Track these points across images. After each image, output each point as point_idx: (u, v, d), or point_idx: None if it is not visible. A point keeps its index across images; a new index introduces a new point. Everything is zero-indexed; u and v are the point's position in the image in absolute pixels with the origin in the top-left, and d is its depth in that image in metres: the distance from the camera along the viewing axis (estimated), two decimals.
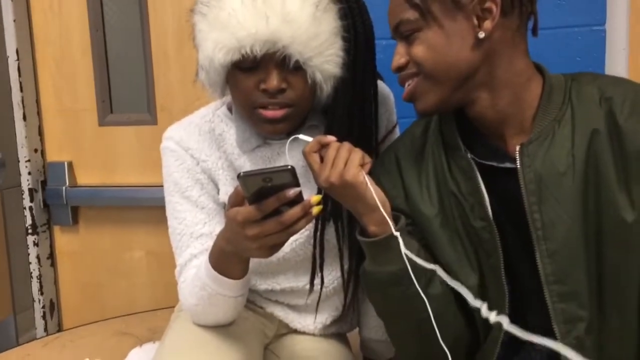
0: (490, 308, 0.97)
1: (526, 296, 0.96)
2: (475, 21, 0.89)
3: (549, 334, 0.91)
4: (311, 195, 0.88)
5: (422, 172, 1.03)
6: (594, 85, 0.93)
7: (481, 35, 0.88)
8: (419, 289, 0.89)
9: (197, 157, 1.13)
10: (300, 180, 0.84)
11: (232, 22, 0.97)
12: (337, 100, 1.06)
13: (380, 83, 1.18)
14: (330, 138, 0.95)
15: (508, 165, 0.94)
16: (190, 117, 1.18)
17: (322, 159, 0.94)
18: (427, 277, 0.97)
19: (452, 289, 1.00)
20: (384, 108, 1.18)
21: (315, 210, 0.87)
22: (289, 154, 0.97)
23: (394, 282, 0.94)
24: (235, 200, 0.88)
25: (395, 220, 0.95)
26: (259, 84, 1.01)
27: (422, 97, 0.94)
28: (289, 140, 0.98)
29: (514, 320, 0.95)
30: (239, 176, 0.81)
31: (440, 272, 0.85)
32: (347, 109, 1.06)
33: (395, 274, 0.92)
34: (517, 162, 0.91)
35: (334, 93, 1.06)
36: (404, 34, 0.93)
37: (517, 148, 0.92)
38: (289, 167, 0.81)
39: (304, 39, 0.97)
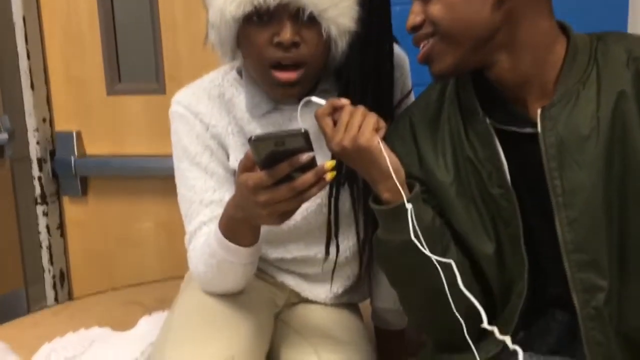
0: (509, 276, 0.96)
1: (545, 265, 0.93)
2: None
3: (568, 303, 0.89)
4: (325, 161, 0.85)
5: (437, 138, 1.00)
6: (621, 45, 0.89)
7: None
8: (432, 256, 0.86)
9: (207, 122, 1.10)
10: (314, 146, 0.82)
11: None
12: (352, 59, 1.03)
13: (395, 47, 1.15)
14: (344, 101, 0.91)
15: (529, 130, 0.91)
16: (199, 82, 1.15)
17: (335, 123, 0.91)
18: (443, 245, 0.95)
19: (468, 257, 0.98)
20: (399, 72, 1.14)
21: (329, 176, 0.84)
22: (301, 119, 0.95)
23: (406, 250, 0.91)
24: (246, 166, 0.85)
25: (410, 188, 0.93)
26: (273, 37, 0.97)
27: (438, 58, 0.91)
28: (301, 103, 0.95)
29: (533, 290, 0.94)
30: (250, 140, 0.79)
31: (454, 268, 0.84)
32: (362, 68, 1.03)
33: (409, 242, 0.90)
34: (538, 126, 0.88)
35: (348, 50, 1.02)
36: None
37: (539, 111, 0.88)
38: (302, 130, 0.78)
39: None
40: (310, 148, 0.80)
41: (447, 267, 0.89)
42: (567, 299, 0.89)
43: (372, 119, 0.89)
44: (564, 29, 0.93)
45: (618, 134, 0.86)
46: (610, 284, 0.87)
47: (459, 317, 0.85)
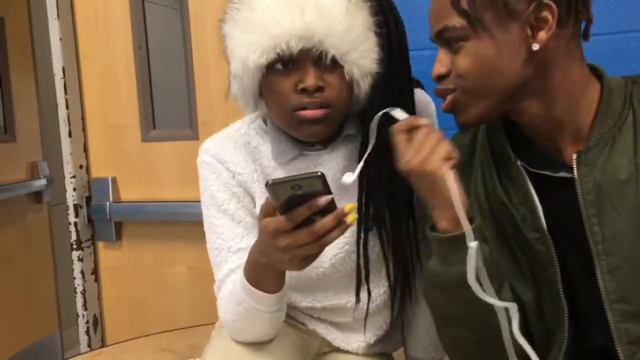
0: (548, 325, 0.92)
1: (586, 314, 0.89)
2: (529, 31, 0.82)
3: (612, 355, 0.85)
4: (345, 204, 0.83)
5: (471, 182, 0.97)
6: None
7: (535, 47, 0.82)
8: (491, 300, 0.82)
9: (233, 170, 1.11)
10: (337, 192, 0.80)
11: (265, 21, 0.95)
12: (374, 100, 1.03)
13: (420, 91, 1.15)
14: (423, 121, 0.88)
15: (563, 174, 0.88)
16: (225, 131, 1.16)
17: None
18: (498, 280, 0.90)
19: (519, 298, 0.94)
20: (424, 114, 1.13)
21: (350, 218, 0.82)
22: (325, 166, 0.93)
23: (464, 283, 0.86)
24: (267, 211, 0.85)
25: (470, 221, 0.88)
26: (297, 84, 0.98)
27: (463, 110, 0.89)
28: (379, 115, 0.93)
29: (574, 340, 0.89)
30: (267, 184, 0.78)
31: (514, 310, 0.81)
32: (385, 108, 1.02)
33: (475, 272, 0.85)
34: (574, 171, 0.86)
35: (370, 92, 1.03)
36: (448, 40, 0.87)
37: (574, 156, 0.86)
38: (319, 173, 0.77)
39: (339, 31, 0.95)
40: (327, 191, 0.79)
41: (503, 310, 0.85)
42: (611, 350, 0.85)
43: (445, 147, 0.86)
44: (596, 72, 0.91)
45: None
46: None
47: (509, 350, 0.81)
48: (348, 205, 0.83)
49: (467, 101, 0.88)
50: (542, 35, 0.82)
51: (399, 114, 0.91)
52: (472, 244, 0.83)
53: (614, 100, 0.87)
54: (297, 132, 1.05)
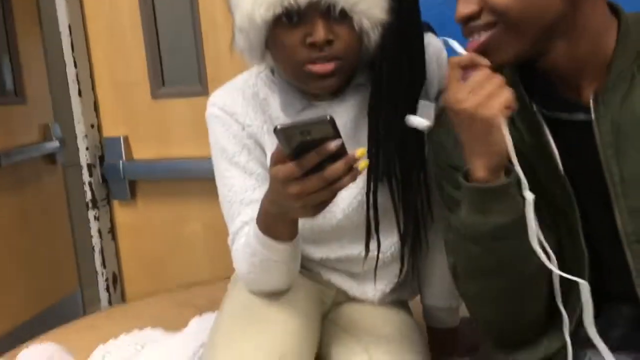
0: (569, 270, 0.90)
1: (606, 259, 0.88)
2: None
3: (634, 297, 0.84)
4: (356, 149, 0.81)
5: None
6: None
7: None
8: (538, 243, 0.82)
9: (242, 122, 1.09)
10: (347, 141, 0.78)
11: None
12: (384, 50, 1.00)
13: (431, 36, 1.11)
14: (485, 61, 0.84)
15: (581, 116, 0.86)
16: (233, 82, 1.15)
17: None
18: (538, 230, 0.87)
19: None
20: (436, 63, 1.10)
21: (362, 165, 0.80)
22: (335, 116, 0.90)
23: (502, 235, 0.85)
24: (277, 159, 0.83)
25: (507, 173, 0.85)
26: (305, 38, 0.95)
27: (498, 50, 0.84)
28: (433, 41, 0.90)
29: (594, 286, 0.89)
30: (275, 130, 0.76)
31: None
32: (395, 58, 1.00)
33: (506, 226, 0.84)
34: (592, 112, 0.83)
35: (380, 42, 1.00)
36: None
37: (591, 97, 0.83)
38: (327, 117, 0.75)
39: None
40: (337, 135, 0.77)
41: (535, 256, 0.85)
42: (632, 292, 0.84)
43: (508, 94, 0.82)
44: (614, 9, 0.87)
45: None
46: None
47: (560, 306, 0.82)
48: (359, 150, 0.81)
49: (503, 40, 0.83)
50: None
51: (457, 46, 0.87)
52: (530, 197, 0.81)
53: (632, 38, 0.84)
54: (307, 86, 1.03)
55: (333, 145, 0.77)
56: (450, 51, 0.93)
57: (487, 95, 0.80)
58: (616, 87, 0.83)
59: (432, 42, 1.10)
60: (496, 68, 0.85)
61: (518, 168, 0.82)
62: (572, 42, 0.84)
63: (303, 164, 0.79)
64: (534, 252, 0.84)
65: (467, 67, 0.83)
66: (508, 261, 0.86)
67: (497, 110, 0.80)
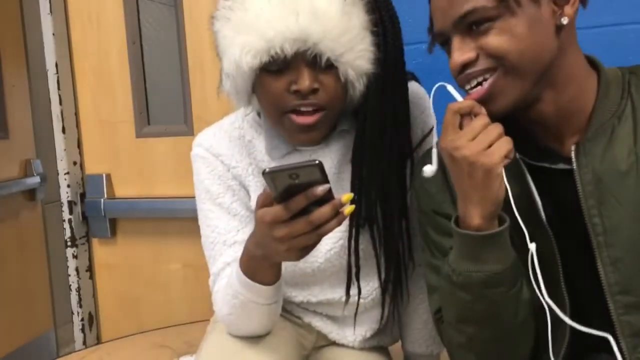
0: (550, 320, 0.90)
1: (589, 307, 0.88)
2: (555, 7, 0.82)
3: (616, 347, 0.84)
4: (342, 194, 0.82)
5: None
6: None
7: (564, 20, 0.81)
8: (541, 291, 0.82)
9: (228, 164, 1.09)
10: (331, 183, 0.79)
11: (259, 23, 0.93)
12: (369, 99, 1.01)
13: (414, 84, 1.13)
14: (484, 109, 0.84)
15: (562, 166, 0.87)
16: (219, 124, 1.15)
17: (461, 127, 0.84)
18: (521, 281, 0.88)
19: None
20: (418, 110, 1.12)
21: (347, 210, 0.81)
22: (322, 153, 0.91)
23: (493, 283, 0.85)
24: (264, 201, 0.83)
25: (501, 221, 0.86)
26: (290, 85, 0.96)
27: (500, 95, 0.84)
28: (436, 86, 0.89)
29: (576, 334, 0.88)
30: (264, 172, 0.77)
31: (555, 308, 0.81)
32: (379, 107, 1.01)
33: (498, 274, 0.84)
34: (573, 162, 0.85)
35: (365, 91, 1.01)
36: (474, 24, 0.82)
37: (573, 147, 0.85)
38: (316, 162, 0.75)
39: (334, 34, 0.93)
40: (325, 180, 0.78)
41: (524, 304, 0.86)
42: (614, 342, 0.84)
43: (509, 144, 0.82)
44: (593, 63, 0.90)
45: None
46: None
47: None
48: (345, 195, 0.81)
49: (505, 84, 0.84)
50: (569, 9, 0.82)
51: (454, 92, 0.87)
52: (532, 247, 0.81)
53: (612, 91, 0.86)
54: (290, 137, 1.04)
55: (321, 189, 0.78)
56: (441, 98, 0.94)
57: (488, 144, 0.80)
58: (597, 138, 0.85)
59: (415, 90, 1.13)
60: (494, 120, 0.85)
61: (518, 217, 0.82)
62: (559, 90, 0.86)
63: (290, 207, 0.79)
64: (523, 301, 0.85)
65: (465, 115, 0.84)
66: (498, 309, 0.86)
67: (499, 158, 0.80)
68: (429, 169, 0.89)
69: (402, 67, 1.06)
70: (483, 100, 0.85)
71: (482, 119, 0.82)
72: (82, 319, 2.15)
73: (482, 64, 0.83)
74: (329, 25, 0.93)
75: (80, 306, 2.14)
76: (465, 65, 0.85)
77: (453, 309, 0.93)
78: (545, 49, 0.83)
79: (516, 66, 0.82)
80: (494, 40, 0.82)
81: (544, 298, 0.82)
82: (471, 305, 0.88)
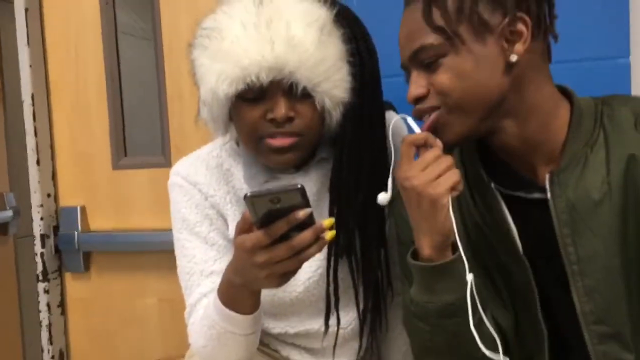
0: (529, 350, 0.90)
1: (565, 337, 0.88)
2: (505, 44, 0.83)
3: None
4: (323, 219, 0.82)
5: None
6: (627, 108, 0.88)
7: (513, 58, 0.83)
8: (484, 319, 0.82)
9: (205, 192, 1.09)
10: (314, 206, 0.79)
11: (235, 51, 0.94)
12: (346, 128, 1.02)
13: (392, 113, 1.14)
14: (438, 142, 0.86)
15: (537, 195, 0.88)
16: (197, 152, 1.15)
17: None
18: (483, 310, 0.88)
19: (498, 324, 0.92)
20: (397, 139, 1.13)
21: (328, 235, 0.81)
22: (302, 180, 0.91)
23: (448, 313, 0.85)
24: (243, 227, 0.83)
25: (454, 251, 0.87)
26: (266, 113, 0.97)
27: (446, 129, 0.87)
28: (395, 119, 0.93)
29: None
30: (245, 197, 0.76)
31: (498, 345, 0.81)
32: (357, 136, 1.02)
33: (452, 305, 0.84)
34: (547, 191, 0.85)
35: (342, 120, 1.01)
36: (425, 61, 0.86)
37: (547, 177, 0.86)
38: (298, 186, 0.75)
39: (311, 63, 0.94)
40: (307, 204, 0.77)
41: (486, 335, 0.85)
42: None
43: (455, 177, 0.84)
44: (565, 93, 0.91)
45: (631, 199, 0.83)
46: (637, 356, 0.82)
47: None
48: (326, 220, 0.81)
49: (450, 119, 0.86)
50: (519, 47, 0.83)
51: (413, 124, 0.90)
52: (470, 278, 0.82)
53: (585, 120, 0.88)
54: (267, 160, 1.03)
55: (302, 213, 0.77)
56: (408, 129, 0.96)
57: (436, 175, 0.83)
58: (570, 168, 0.86)
59: (394, 120, 1.13)
60: (448, 149, 0.88)
61: (460, 249, 0.83)
62: (521, 122, 0.87)
63: (271, 232, 0.79)
64: (486, 332, 0.85)
65: (421, 146, 0.86)
66: (457, 340, 0.85)
67: (444, 190, 0.82)
68: (383, 197, 0.91)
69: (379, 96, 1.07)
70: (432, 132, 0.88)
71: (434, 151, 0.85)
72: (53, 357, 2.08)
73: (430, 101, 0.87)
74: (305, 55, 0.94)
75: (51, 343, 2.07)
76: (418, 99, 0.87)
77: (415, 340, 0.95)
78: (491, 86, 0.84)
79: (458, 103, 0.84)
80: (440, 77, 0.84)
81: (476, 334, 0.82)
82: (430, 337, 0.90)
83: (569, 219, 0.84)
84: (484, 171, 0.92)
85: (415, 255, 0.88)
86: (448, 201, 0.82)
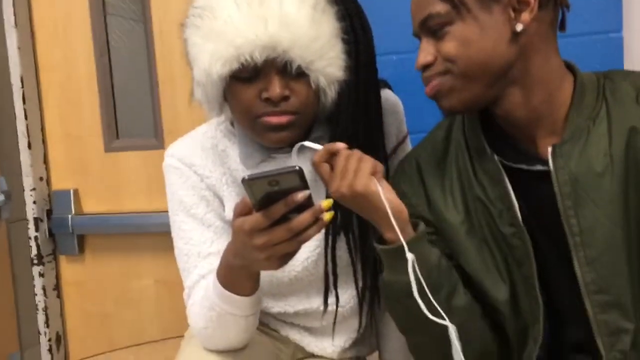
0: (524, 321, 0.92)
1: (564, 308, 0.90)
2: (512, 13, 0.84)
3: (591, 347, 0.85)
4: (322, 201, 0.82)
5: (445, 178, 0.97)
6: (629, 81, 0.89)
7: (519, 27, 0.83)
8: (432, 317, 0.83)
9: (201, 174, 1.08)
10: (311, 188, 0.79)
11: (228, 30, 0.93)
12: (341, 106, 1.02)
13: (388, 91, 1.14)
14: (340, 145, 0.89)
15: (539, 167, 0.89)
16: (192, 134, 1.14)
17: (332, 168, 0.88)
18: (450, 286, 0.91)
19: (480, 301, 0.94)
20: (392, 117, 1.13)
21: (327, 216, 0.81)
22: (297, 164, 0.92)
23: (411, 292, 0.86)
24: (242, 210, 0.82)
25: (414, 226, 0.90)
26: (261, 93, 0.96)
27: (450, 94, 0.88)
28: (295, 148, 0.93)
29: (551, 334, 0.90)
30: (243, 180, 0.76)
31: (452, 330, 0.81)
32: (352, 114, 1.02)
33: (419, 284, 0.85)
34: (550, 163, 0.86)
35: (337, 98, 1.01)
36: (432, 29, 0.87)
37: (550, 149, 0.86)
38: (297, 168, 0.75)
39: (304, 41, 0.93)
40: (305, 186, 0.77)
41: (455, 311, 0.87)
42: (590, 343, 0.85)
43: (368, 163, 0.87)
44: (569, 67, 0.92)
45: (632, 172, 0.84)
46: (637, 325, 0.84)
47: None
48: (325, 201, 0.81)
49: (454, 85, 0.87)
50: (525, 16, 0.83)
51: (313, 145, 0.92)
52: (409, 256, 0.84)
53: (588, 94, 0.88)
54: (263, 139, 1.03)
55: (301, 195, 0.77)
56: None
57: (353, 173, 0.85)
58: (573, 140, 0.86)
59: (389, 98, 1.13)
60: (451, 115, 0.91)
61: (392, 222, 0.85)
62: (527, 92, 0.87)
63: (270, 214, 0.78)
64: (456, 307, 0.89)
65: (332, 157, 0.88)
66: (426, 318, 0.85)
67: (366, 180, 0.85)
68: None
69: (374, 74, 1.06)
70: (434, 97, 0.90)
71: (341, 155, 0.87)
72: (50, 340, 2.09)
73: (437, 67, 0.88)
74: (298, 33, 0.93)
75: (48, 326, 2.08)
76: (426, 66, 0.89)
77: (394, 318, 0.98)
78: (497, 54, 0.85)
79: (464, 71, 0.86)
80: (447, 45, 0.86)
81: (421, 302, 0.84)
82: (404, 315, 0.93)
83: (571, 190, 0.85)
84: (486, 143, 0.93)
85: (382, 240, 0.91)
86: (376, 185, 0.85)
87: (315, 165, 0.89)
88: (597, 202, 0.84)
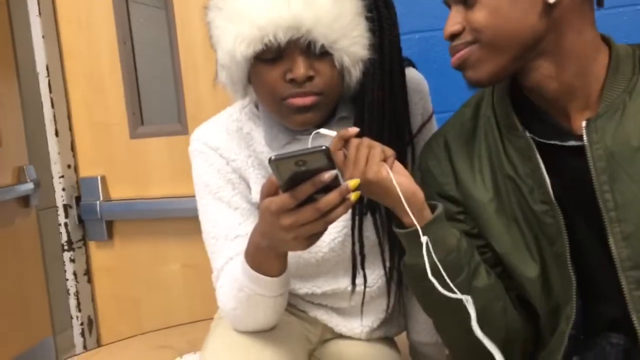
0: (556, 299, 0.90)
1: (597, 285, 0.88)
2: None
3: (625, 325, 0.83)
4: (349, 180, 0.82)
5: (474, 156, 0.96)
6: None
7: (551, 0, 0.81)
8: (447, 293, 0.82)
9: (227, 157, 1.08)
10: (338, 169, 0.79)
11: (251, 11, 0.92)
12: (366, 85, 1.01)
13: (412, 70, 1.13)
14: (351, 131, 0.88)
15: (572, 143, 0.87)
16: (216, 117, 1.14)
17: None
18: (471, 268, 0.90)
19: (505, 280, 0.93)
20: (418, 96, 1.12)
21: (354, 196, 0.80)
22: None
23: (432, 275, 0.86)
24: (269, 190, 0.82)
25: (433, 209, 0.89)
26: (285, 74, 0.95)
27: (476, 65, 0.87)
28: (311, 136, 0.93)
29: (584, 312, 0.89)
30: (270, 160, 0.75)
31: (467, 302, 0.79)
32: (377, 93, 1.01)
33: (433, 267, 0.85)
34: (584, 138, 0.84)
35: (362, 78, 1.00)
36: None
37: (584, 124, 0.84)
38: (324, 147, 0.74)
39: (327, 20, 0.92)
40: (332, 166, 0.77)
41: (477, 292, 0.86)
42: (624, 320, 0.83)
43: (377, 150, 0.86)
44: (605, 39, 0.90)
45: None
46: None
47: (488, 344, 0.78)
48: (352, 181, 0.81)
49: (482, 56, 0.86)
50: None
51: (327, 132, 0.91)
52: (424, 239, 0.84)
53: (623, 67, 0.86)
54: (288, 121, 1.03)
55: (328, 175, 0.77)
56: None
57: (365, 161, 0.85)
58: (608, 114, 0.84)
59: (414, 76, 1.12)
60: (477, 87, 0.90)
61: (405, 207, 0.85)
62: (559, 65, 0.86)
63: (297, 194, 0.78)
64: (478, 289, 0.89)
65: (346, 144, 0.88)
66: (448, 300, 0.84)
67: (377, 167, 0.85)
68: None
69: (398, 52, 1.05)
70: (460, 67, 0.88)
71: (353, 144, 0.87)
72: (82, 324, 2.13)
73: (465, 37, 0.87)
74: (321, 12, 0.92)
75: (79, 310, 2.12)
76: (454, 35, 0.88)
77: (418, 300, 0.99)
78: (526, 26, 0.83)
79: (492, 41, 0.84)
80: (476, 14, 0.84)
81: (448, 290, 0.83)
82: (427, 296, 0.92)
83: (606, 166, 0.83)
84: (518, 120, 0.91)
85: (401, 224, 0.90)
86: (387, 171, 0.85)
87: (332, 152, 0.87)
88: (634, 177, 0.82)
